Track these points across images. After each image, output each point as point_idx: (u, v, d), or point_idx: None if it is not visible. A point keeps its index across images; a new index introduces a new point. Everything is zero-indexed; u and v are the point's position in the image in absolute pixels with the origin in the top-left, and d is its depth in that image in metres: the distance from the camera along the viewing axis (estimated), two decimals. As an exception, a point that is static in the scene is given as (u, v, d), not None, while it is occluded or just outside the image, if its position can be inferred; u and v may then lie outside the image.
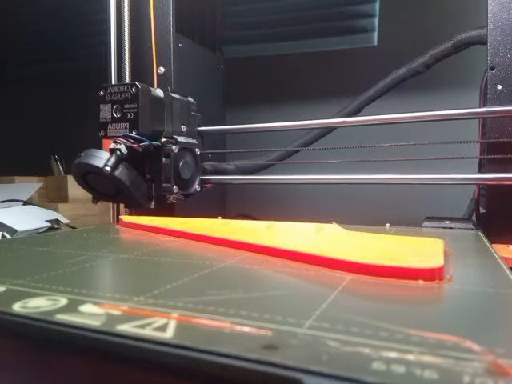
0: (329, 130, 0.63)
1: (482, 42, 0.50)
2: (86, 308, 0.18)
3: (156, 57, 0.62)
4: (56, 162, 0.92)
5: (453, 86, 0.77)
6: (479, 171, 0.52)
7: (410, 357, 0.13)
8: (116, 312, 0.18)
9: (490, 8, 0.47)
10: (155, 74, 0.61)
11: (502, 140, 0.46)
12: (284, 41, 0.89)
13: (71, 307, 0.18)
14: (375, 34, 0.83)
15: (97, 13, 1.03)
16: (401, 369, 0.12)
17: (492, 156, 0.46)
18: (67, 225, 0.67)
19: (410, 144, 0.49)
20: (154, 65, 0.62)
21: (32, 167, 0.90)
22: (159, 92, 0.54)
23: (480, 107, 0.50)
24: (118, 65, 0.59)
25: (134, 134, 0.50)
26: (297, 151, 0.64)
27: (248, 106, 0.92)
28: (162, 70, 0.61)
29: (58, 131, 1.06)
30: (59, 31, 1.11)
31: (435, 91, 0.78)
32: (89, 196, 0.57)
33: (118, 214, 0.53)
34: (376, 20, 0.83)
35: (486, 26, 0.48)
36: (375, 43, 0.84)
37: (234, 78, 0.88)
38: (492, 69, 0.47)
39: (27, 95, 1.19)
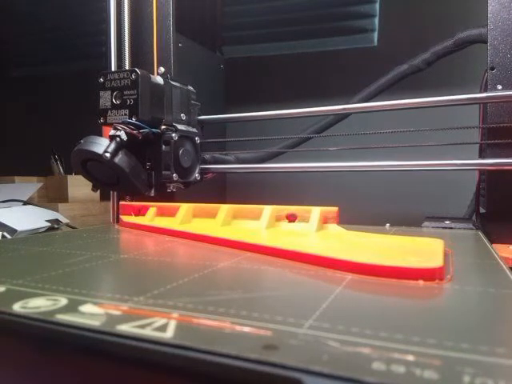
0: (332, 122, 0.63)
1: (483, 40, 0.50)
2: (86, 308, 0.18)
3: (156, 57, 0.62)
4: (56, 162, 0.92)
5: (453, 86, 0.77)
6: (480, 157, 0.52)
7: (410, 357, 0.13)
8: (116, 312, 0.18)
9: (490, 8, 0.47)
10: (155, 74, 0.61)
11: (502, 125, 0.46)
12: (284, 41, 0.89)
13: (71, 307, 0.18)
14: (375, 34, 0.83)
15: (97, 13, 1.03)
16: (401, 369, 0.12)
17: (492, 141, 0.46)
18: (67, 225, 0.67)
19: (410, 130, 0.49)
20: (154, 65, 0.62)
21: (32, 167, 0.90)
22: (159, 79, 0.54)
23: (480, 93, 0.50)
24: (119, 64, 0.59)
25: (133, 120, 0.50)
26: (297, 144, 0.64)
27: (248, 106, 0.91)
28: (161, 69, 0.61)
29: (58, 131, 1.06)
30: (60, 31, 1.11)
31: (436, 91, 0.78)
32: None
33: (118, 213, 0.53)
34: (376, 20, 0.83)
35: (487, 26, 0.48)
36: (375, 43, 0.83)
37: (234, 77, 0.88)
38: (492, 69, 0.47)
39: (27, 95, 1.19)
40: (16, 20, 1.16)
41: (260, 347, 0.14)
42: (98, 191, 0.61)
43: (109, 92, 0.52)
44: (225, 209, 0.44)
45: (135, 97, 0.50)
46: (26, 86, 1.19)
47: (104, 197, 0.84)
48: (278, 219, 0.42)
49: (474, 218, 0.56)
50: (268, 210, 0.42)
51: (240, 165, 0.62)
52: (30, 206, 0.70)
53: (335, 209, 0.41)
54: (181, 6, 0.64)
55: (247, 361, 0.13)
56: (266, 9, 0.89)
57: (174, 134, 0.53)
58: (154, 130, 0.51)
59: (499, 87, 0.46)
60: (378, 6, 0.83)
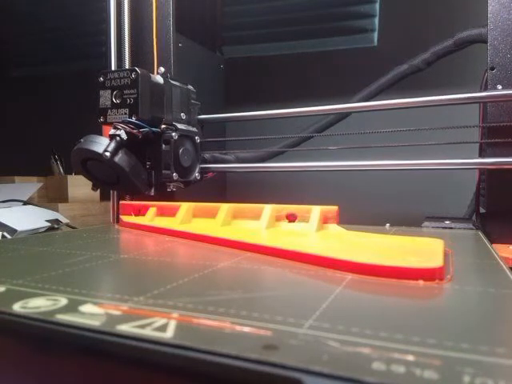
0: (332, 121, 0.64)
1: (483, 40, 0.50)
2: (86, 308, 0.18)
3: (156, 57, 0.62)
4: (56, 162, 0.92)
5: (453, 86, 0.77)
6: (480, 157, 0.52)
7: (410, 357, 0.13)
8: (116, 312, 0.18)
9: (490, 8, 0.47)
10: (155, 74, 0.61)
11: (502, 124, 0.46)
12: (284, 41, 0.89)
13: (71, 307, 0.18)
14: (375, 34, 0.83)
15: (97, 13, 1.03)
16: (401, 369, 0.12)
17: (492, 140, 0.46)
18: (67, 225, 0.67)
19: (410, 130, 0.49)
20: (155, 65, 0.62)
21: (32, 167, 0.90)
22: (159, 78, 0.54)
23: (480, 91, 0.50)
24: (119, 64, 0.59)
25: (133, 119, 0.50)
26: (297, 143, 0.64)
27: (248, 106, 0.92)
28: (161, 69, 0.61)
29: (58, 131, 1.06)
30: (60, 31, 1.11)
31: (436, 90, 0.78)
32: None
33: (118, 213, 0.53)
34: (376, 20, 0.83)
35: (487, 26, 0.48)
36: (375, 43, 0.83)
37: (234, 77, 0.88)
38: (492, 69, 0.47)
39: (27, 95, 1.19)
40: (16, 20, 1.16)
41: (260, 347, 0.14)
42: (98, 191, 0.61)
43: (109, 91, 0.52)
44: (225, 208, 0.44)
45: (135, 96, 0.50)
46: (26, 85, 1.19)
47: (104, 197, 0.84)
48: (278, 219, 0.42)
49: (474, 218, 0.56)
50: (268, 209, 0.42)
51: (240, 164, 0.62)
52: (30, 206, 0.70)
53: (335, 208, 0.41)
54: (181, 5, 0.64)
55: (247, 361, 0.13)
56: (266, 9, 0.89)
57: (173, 134, 0.53)
58: (153, 129, 0.51)
59: (499, 87, 0.46)
60: (377, 5, 0.82)
